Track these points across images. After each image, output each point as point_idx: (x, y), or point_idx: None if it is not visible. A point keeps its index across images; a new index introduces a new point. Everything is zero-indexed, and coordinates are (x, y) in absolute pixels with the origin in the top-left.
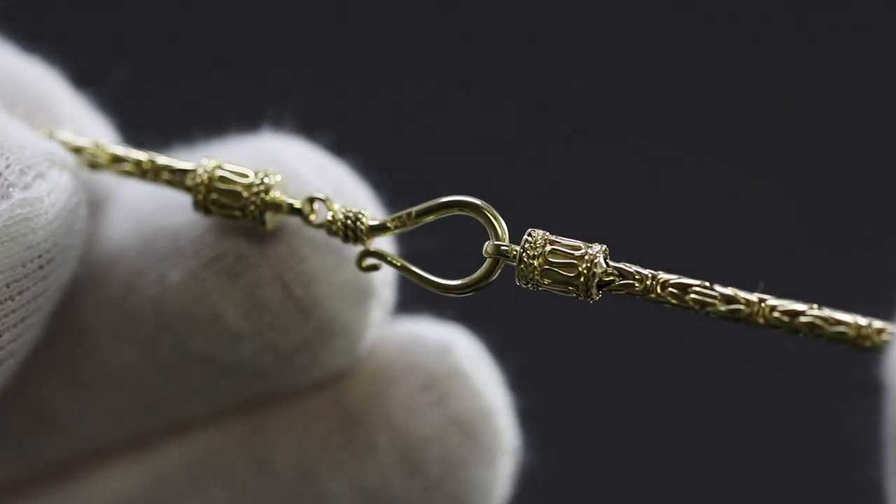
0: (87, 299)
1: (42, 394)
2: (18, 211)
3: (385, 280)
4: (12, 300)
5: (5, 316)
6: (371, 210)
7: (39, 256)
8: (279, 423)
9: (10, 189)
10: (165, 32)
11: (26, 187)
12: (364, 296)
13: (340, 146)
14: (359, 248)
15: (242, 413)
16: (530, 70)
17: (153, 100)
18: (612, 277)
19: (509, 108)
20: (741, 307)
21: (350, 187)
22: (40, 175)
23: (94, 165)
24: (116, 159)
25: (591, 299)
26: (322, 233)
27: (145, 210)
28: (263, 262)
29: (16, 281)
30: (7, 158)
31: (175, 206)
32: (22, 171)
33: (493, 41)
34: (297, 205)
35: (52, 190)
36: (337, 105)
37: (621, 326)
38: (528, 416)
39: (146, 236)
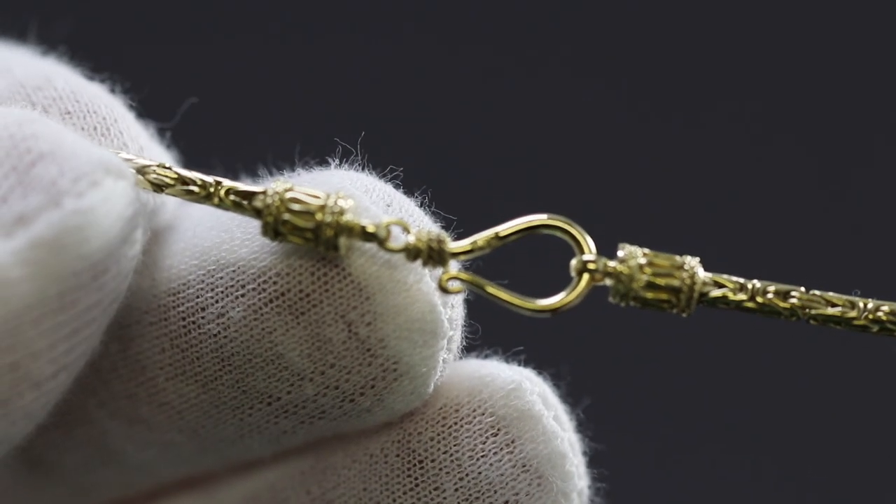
0: (147, 334)
1: (100, 428)
2: (71, 220)
3: (453, 320)
4: (65, 312)
5: (59, 327)
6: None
7: (93, 266)
8: (342, 464)
9: (63, 197)
10: (225, 66)
11: (79, 196)
12: (431, 336)
13: (407, 181)
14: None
15: (304, 452)
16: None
17: (214, 134)
18: (709, 288)
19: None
20: (847, 310)
21: (418, 220)
22: (94, 184)
23: (158, 186)
24: (182, 180)
25: (689, 312)
26: (387, 272)
27: (208, 243)
28: (327, 300)
29: (69, 292)
30: (60, 166)
31: (238, 240)
32: (75, 180)
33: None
34: (372, 228)
35: (106, 199)
36: (403, 141)
37: (692, 367)
38: (598, 459)
39: (208, 270)
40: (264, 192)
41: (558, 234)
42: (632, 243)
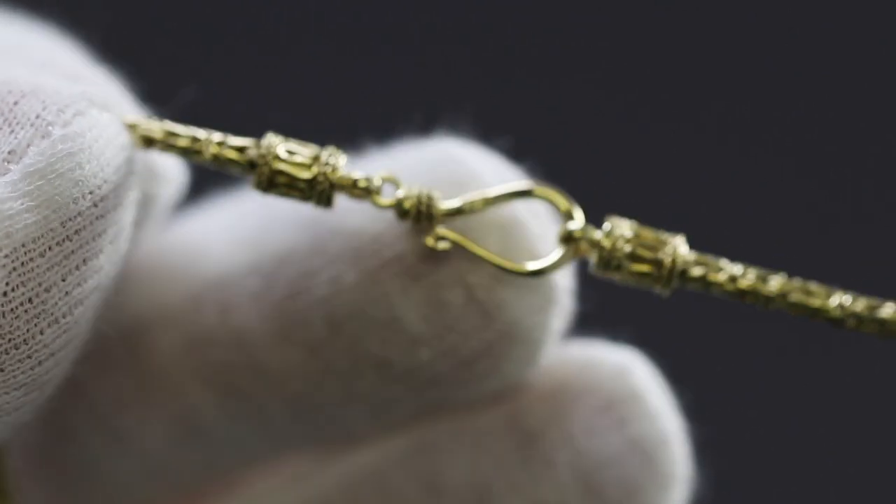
0: (246, 303)
1: (190, 400)
2: (60, 146)
3: (566, 289)
4: (70, 240)
5: (66, 258)
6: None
7: (91, 193)
8: (449, 442)
9: (50, 127)
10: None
11: (66, 124)
12: (547, 302)
13: (516, 152)
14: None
15: (407, 431)
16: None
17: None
18: (690, 266)
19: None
20: (824, 301)
21: (522, 181)
22: (79, 113)
23: (147, 141)
24: (171, 134)
25: (668, 288)
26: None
27: (313, 213)
28: (446, 264)
29: (70, 219)
30: (43, 101)
31: (348, 208)
32: (59, 111)
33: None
34: (364, 182)
35: (93, 125)
36: (512, 111)
37: (796, 358)
38: (701, 448)
39: (318, 236)
40: (258, 144)
41: (545, 200)
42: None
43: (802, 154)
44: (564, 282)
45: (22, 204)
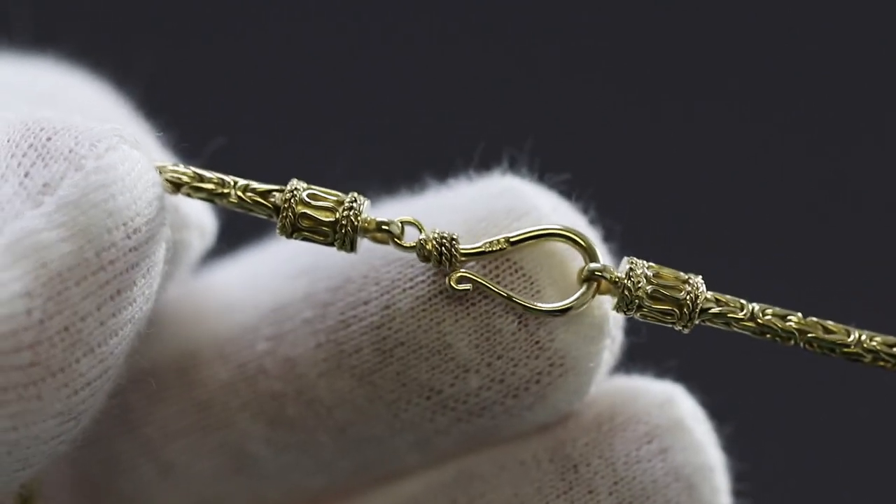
0: (300, 330)
1: (239, 431)
2: (94, 178)
3: (617, 321)
4: (105, 271)
5: (100, 288)
6: (600, 253)
7: (124, 224)
8: (490, 470)
9: (83, 161)
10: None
11: (99, 157)
12: (598, 333)
13: (571, 190)
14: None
15: (447, 463)
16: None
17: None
18: (710, 304)
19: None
20: (843, 338)
21: (579, 226)
22: (111, 147)
23: (175, 185)
24: (199, 178)
25: (688, 327)
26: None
27: (367, 244)
28: (444, 285)
29: (104, 250)
30: (76, 137)
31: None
32: (92, 145)
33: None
34: (387, 224)
35: (125, 159)
36: (568, 149)
37: (836, 393)
38: (741, 479)
39: (373, 266)
40: (281, 189)
41: (568, 242)
42: (638, 256)
43: (806, 153)
44: (616, 316)
45: (57, 234)
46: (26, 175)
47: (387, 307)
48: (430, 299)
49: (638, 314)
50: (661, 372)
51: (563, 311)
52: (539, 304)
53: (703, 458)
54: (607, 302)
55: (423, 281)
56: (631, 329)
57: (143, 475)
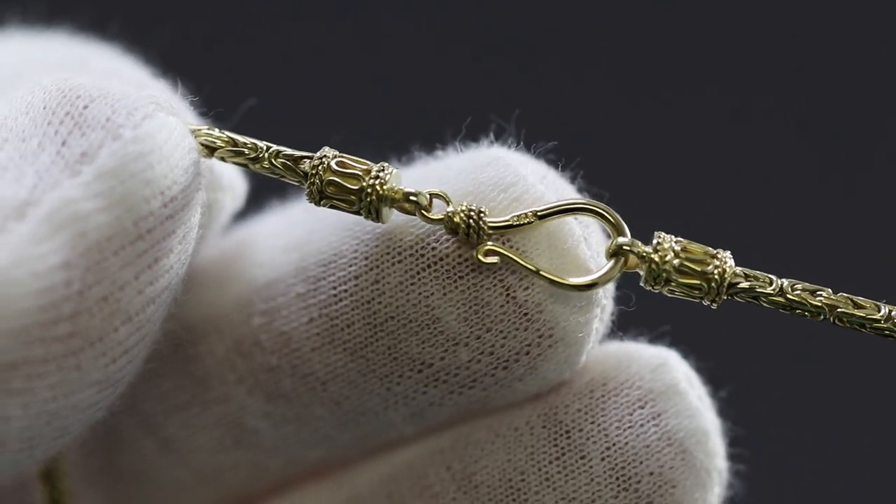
0: (293, 305)
1: (237, 404)
2: (132, 148)
3: (606, 291)
4: (143, 240)
5: (138, 257)
6: (591, 222)
7: (161, 193)
8: (485, 439)
9: (120, 129)
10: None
11: (136, 126)
12: (587, 303)
13: (559, 159)
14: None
15: (443, 431)
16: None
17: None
18: (739, 279)
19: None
20: (872, 313)
21: (569, 195)
22: (148, 116)
23: (209, 149)
24: (233, 143)
25: (718, 301)
26: (545, 237)
27: (358, 218)
28: (486, 265)
29: (142, 219)
30: (112, 105)
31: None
32: (129, 113)
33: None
34: (415, 196)
35: (161, 127)
36: (556, 119)
37: (830, 358)
38: (736, 443)
39: (362, 240)
40: (311, 156)
41: (594, 217)
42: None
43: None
44: (595, 249)
45: (95, 204)
46: (63, 143)
47: (376, 282)
48: (417, 273)
49: (665, 289)
50: (655, 337)
51: (590, 286)
52: (566, 279)
53: (696, 422)
54: (575, 238)
55: (411, 255)
56: (622, 298)
57: (143, 451)
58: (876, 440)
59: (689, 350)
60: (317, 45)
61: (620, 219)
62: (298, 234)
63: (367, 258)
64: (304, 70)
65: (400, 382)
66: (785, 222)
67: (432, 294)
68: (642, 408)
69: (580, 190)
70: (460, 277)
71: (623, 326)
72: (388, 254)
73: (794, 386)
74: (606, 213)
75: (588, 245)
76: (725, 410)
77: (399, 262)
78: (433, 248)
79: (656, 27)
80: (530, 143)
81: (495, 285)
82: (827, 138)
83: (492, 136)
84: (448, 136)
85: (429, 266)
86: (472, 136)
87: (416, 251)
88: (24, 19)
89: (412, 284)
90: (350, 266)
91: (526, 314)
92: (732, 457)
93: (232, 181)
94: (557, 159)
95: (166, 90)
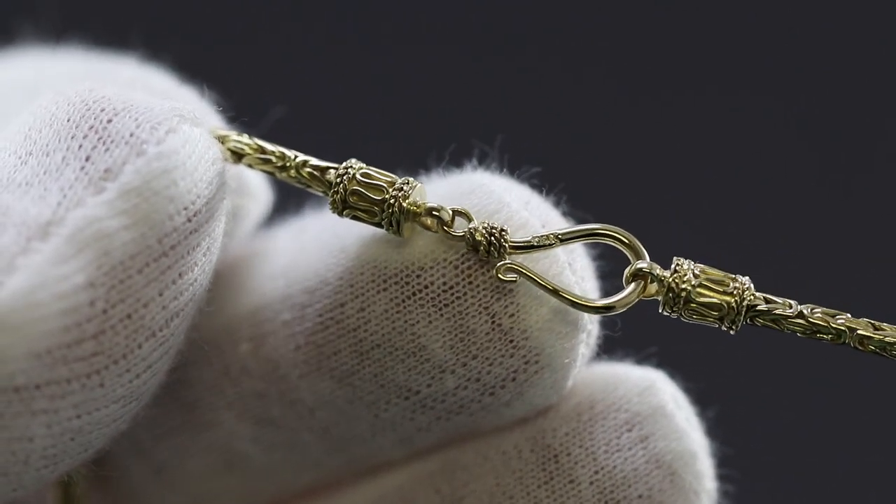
0: (280, 332)
1: (226, 430)
2: (156, 164)
3: (592, 317)
4: (166, 256)
5: (162, 273)
6: (577, 246)
7: (185, 209)
8: (473, 461)
9: (144, 146)
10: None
11: (160, 142)
12: (573, 329)
13: (543, 183)
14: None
15: (432, 454)
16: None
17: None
18: (758, 302)
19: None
20: (893, 336)
21: (555, 221)
22: (172, 130)
23: (237, 155)
24: (260, 150)
25: (736, 326)
26: (529, 264)
27: (343, 245)
28: (471, 292)
29: (166, 235)
30: (136, 119)
31: (378, 239)
32: (153, 128)
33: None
34: (438, 210)
35: (186, 142)
36: (540, 144)
37: (811, 374)
38: (725, 463)
39: (347, 268)
40: (337, 167)
41: (614, 241)
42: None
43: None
44: (585, 285)
45: (119, 222)
46: (87, 159)
47: (362, 309)
48: (402, 301)
49: (685, 310)
50: (642, 358)
51: (608, 309)
52: (585, 300)
53: (684, 444)
54: (566, 270)
55: (396, 283)
56: (608, 322)
57: (136, 475)
58: (865, 459)
59: (676, 371)
60: (316, 46)
61: (639, 243)
62: (284, 261)
63: (352, 286)
64: (307, 74)
65: (387, 409)
66: (784, 223)
67: (418, 322)
68: (630, 431)
69: (565, 214)
70: (445, 305)
71: (610, 348)
72: (373, 282)
73: (782, 405)
74: (625, 238)
75: (573, 270)
76: (713, 430)
77: (384, 289)
78: (418, 277)
79: (656, 28)
80: (514, 166)
81: (480, 313)
82: (827, 138)
83: (475, 161)
84: (432, 161)
85: (414, 294)
86: (456, 160)
87: (401, 279)
88: (37, 31)
89: (398, 312)
90: (336, 294)
91: (512, 341)
92: (721, 477)
93: (258, 188)
94: (541, 184)
95: (193, 98)
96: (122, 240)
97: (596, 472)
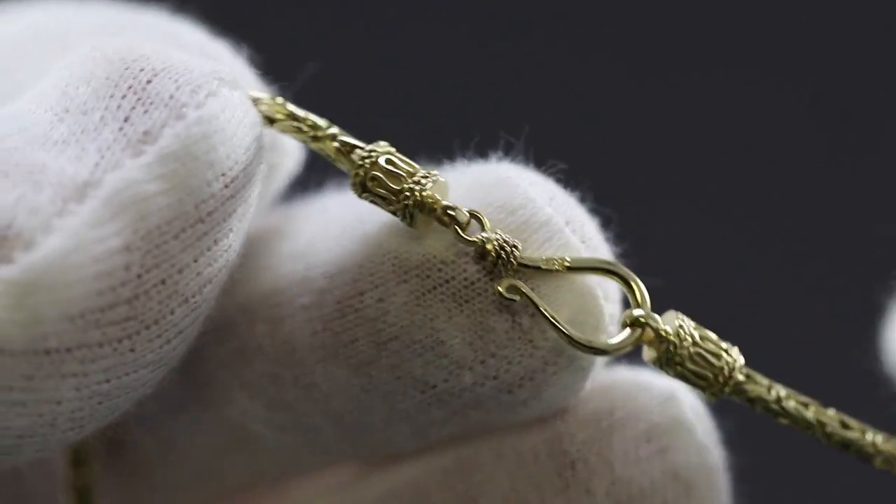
0: (298, 315)
1: (239, 409)
2: (195, 129)
3: (612, 316)
4: (203, 222)
5: (198, 240)
6: (600, 244)
7: (223, 175)
8: (489, 461)
9: (184, 109)
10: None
11: (200, 106)
12: (593, 329)
13: (570, 179)
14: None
15: (446, 449)
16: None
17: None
18: (743, 379)
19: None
20: (858, 437)
21: (580, 218)
22: (212, 93)
23: (269, 120)
24: (293, 117)
25: (716, 396)
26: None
27: (365, 231)
28: (491, 289)
29: (203, 202)
30: (176, 81)
31: (401, 228)
32: (193, 91)
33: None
34: (454, 210)
35: (225, 106)
36: (566, 138)
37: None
38: (742, 478)
39: (368, 256)
40: (363, 147)
41: (620, 282)
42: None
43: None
44: (613, 309)
45: (156, 187)
46: (126, 120)
47: (381, 300)
48: (423, 295)
49: (673, 372)
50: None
51: (601, 352)
52: (580, 337)
53: (702, 458)
54: (602, 295)
55: (417, 276)
56: None
57: (144, 450)
58: (883, 473)
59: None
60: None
61: (645, 292)
62: (304, 241)
63: (371, 275)
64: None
65: (403, 401)
66: (792, 206)
67: (437, 317)
68: (648, 442)
69: (590, 210)
70: (466, 301)
71: (630, 354)
72: (393, 272)
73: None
74: (633, 283)
75: (606, 298)
76: (732, 443)
77: (405, 281)
78: (440, 271)
79: (666, 11)
80: (539, 161)
81: (501, 311)
82: (836, 119)
83: (500, 153)
84: (457, 152)
85: (434, 288)
86: (481, 152)
87: (423, 272)
88: None
89: (417, 306)
90: (355, 281)
91: (531, 341)
92: (738, 492)
93: (292, 143)
94: (566, 179)
95: (227, 53)
96: (159, 204)
97: (612, 484)
